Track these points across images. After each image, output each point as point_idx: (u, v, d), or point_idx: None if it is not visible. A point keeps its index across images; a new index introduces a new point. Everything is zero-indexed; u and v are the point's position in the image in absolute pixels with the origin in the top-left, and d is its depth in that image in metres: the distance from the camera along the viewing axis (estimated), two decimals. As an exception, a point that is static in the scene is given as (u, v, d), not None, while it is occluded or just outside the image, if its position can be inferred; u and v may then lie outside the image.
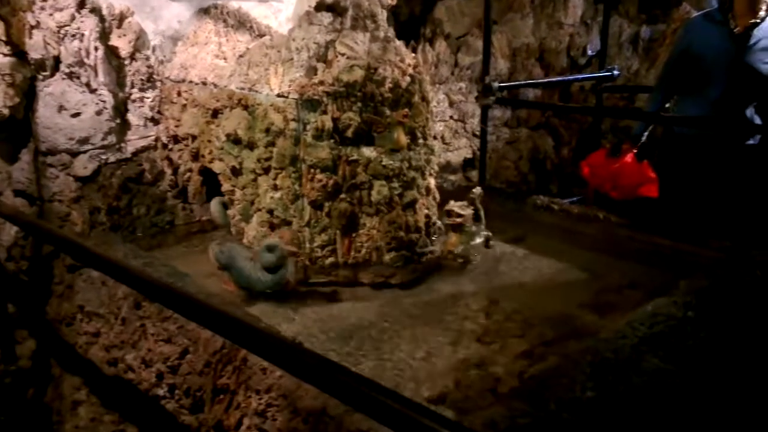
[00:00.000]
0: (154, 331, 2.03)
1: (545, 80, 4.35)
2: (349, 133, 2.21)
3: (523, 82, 4.14)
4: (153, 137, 2.80)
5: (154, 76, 2.76)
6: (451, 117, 4.01)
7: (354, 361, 1.82)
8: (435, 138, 2.77)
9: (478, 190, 2.58)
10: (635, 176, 3.14)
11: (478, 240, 2.56)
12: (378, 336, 1.97)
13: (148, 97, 2.76)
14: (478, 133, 3.84)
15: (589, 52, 4.66)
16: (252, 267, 2.16)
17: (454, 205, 2.47)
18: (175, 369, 1.93)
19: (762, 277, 2.00)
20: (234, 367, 1.73)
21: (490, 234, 2.61)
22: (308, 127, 2.19)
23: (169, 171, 2.83)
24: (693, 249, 2.28)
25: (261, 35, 2.91)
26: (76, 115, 2.54)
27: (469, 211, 2.48)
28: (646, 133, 3.25)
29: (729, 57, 2.98)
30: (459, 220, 2.44)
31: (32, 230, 2.31)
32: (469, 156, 4.12)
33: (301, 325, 2.05)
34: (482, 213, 2.58)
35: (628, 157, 3.18)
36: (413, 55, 2.42)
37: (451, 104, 3.99)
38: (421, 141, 2.36)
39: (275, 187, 2.29)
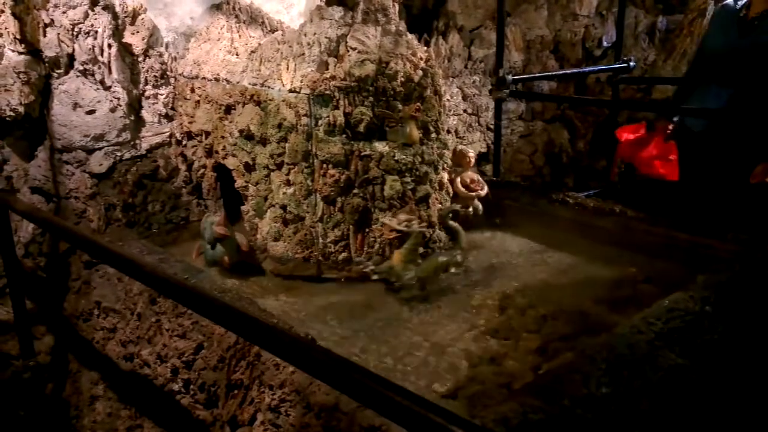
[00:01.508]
0: (169, 326, 2.04)
1: (560, 72, 4.29)
2: (361, 127, 2.21)
3: (537, 75, 4.09)
4: (167, 134, 2.82)
5: (168, 73, 2.78)
6: (464, 111, 3.98)
7: (366, 356, 1.83)
8: (448, 132, 2.74)
9: (449, 207, 2.30)
10: (657, 151, 3.20)
11: (441, 260, 2.20)
12: (391, 331, 1.97)
13: (161, 94, 2.78)
14: (492, 126, 3.81)
15: (605, 44, 4.59)
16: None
17: (392, 218, 2.15)
18: (189, 364, 1.95)
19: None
20: (247, 362, 1.74)
21: (459, 260, 2.24)
22: (320, 122, 2.19)
23: (183, 167, 2.85)
24: (710, 243, 2.24)
25: (273, 30, 2.91)
26: (91, 112, 2.57)
27: (416, 227, 2.14)
28: (675, 119, 3.21)
29: (736, 47, 2.84)
30: (392, 235, 2.09)
31: (49, 227, 2.33)
32: (484, 150, 4.09)
33: (315, 320, 2.05)
34: (461, 235, 2.26)
35: (659, 132, 3.21)
36: (425, 48, 2.40)
37: (465, 98, 3.96)
38: (434, 135, 2.35)
39: (288, 183, 2.29)
